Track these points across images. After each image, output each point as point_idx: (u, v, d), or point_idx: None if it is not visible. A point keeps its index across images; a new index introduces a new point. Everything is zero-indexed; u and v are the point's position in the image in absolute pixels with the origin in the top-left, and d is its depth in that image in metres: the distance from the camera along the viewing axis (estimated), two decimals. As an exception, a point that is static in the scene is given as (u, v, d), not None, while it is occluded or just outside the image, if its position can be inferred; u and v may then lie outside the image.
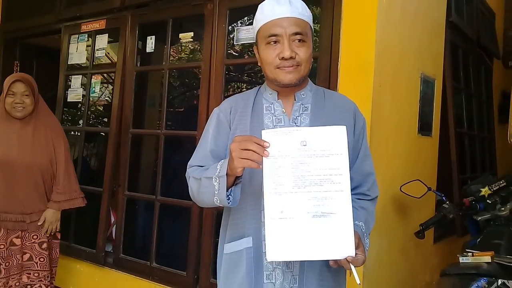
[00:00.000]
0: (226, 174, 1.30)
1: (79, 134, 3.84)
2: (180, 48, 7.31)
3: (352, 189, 1.44)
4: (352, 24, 2.26)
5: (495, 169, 4.10)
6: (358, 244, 1.25)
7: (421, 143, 2.78)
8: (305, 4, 1.47)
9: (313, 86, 1.55)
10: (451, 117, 3.15)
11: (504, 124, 4.58)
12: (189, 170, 1.51)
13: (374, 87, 2.21)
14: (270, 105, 1.50)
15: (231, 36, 3.03)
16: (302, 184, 1.22)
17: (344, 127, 1.25)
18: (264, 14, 1.43)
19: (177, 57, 7.34)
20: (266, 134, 1.24)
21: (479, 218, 2.32)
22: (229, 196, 1.34)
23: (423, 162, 2.84)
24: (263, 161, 1.22)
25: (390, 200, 2.44)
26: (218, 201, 1.34)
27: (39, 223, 2.65)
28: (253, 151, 1.20)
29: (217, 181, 1.32)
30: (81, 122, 6.16)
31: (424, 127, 2.79)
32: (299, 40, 1.40)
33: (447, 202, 2.31)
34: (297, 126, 1.45)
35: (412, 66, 2.65)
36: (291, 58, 1.38)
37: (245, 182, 1.40)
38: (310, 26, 1.47)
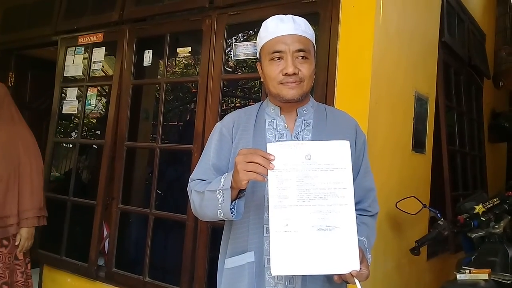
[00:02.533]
0: (230, 187, 1.31)
1: (71, 146, 3.81)
2: (174, 62, 7.36)
3: (352, 205, 1.47)
4: (349, 43, 2.31)
5: (485, 186, 4.15)
6: (362, 259, 1.26)
7: (415, 160, 2.82)
8: (308, 23, 1.50)
9: (314, 103, 1.58)
10: (444, 135, 3.20)
11: (494, 143, 4.67)
12: (191, 183, 1.52)
13: (371, 104, 2.25)
14: (272, 120, 1.52)
15: (227, 51, 3.07)
16: (307, 197, 1.24)
17: (348, 142, 1.28)
18: (268, 31, 1.46)
19: (171, 71, 7.38)
20: (271, 147, 1.26)
21: (473, 235, 2.34)
22: (233, 209, 1.35)
23: (417, 179, 2.87)
24: (268, 174, 1.23)
25: (386, 216, 2.46)
26: (222, 214, 1.35)
27: (16, 243, 2.60)
28: (258, 163, 1.22)
29: (221, 194, 1.33)
30: (74, 134, 6.18)
31: (418, 145, 2.83)
32: (302, 57, 1.43)
33: (442, 219, 2.33)
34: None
35: (407, 84, 2.70)
36: (294, 74, 1.41)
37: (247, 196, 1.41)
38: (313, 44, 1.50)
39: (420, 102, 2.83)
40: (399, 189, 2.59)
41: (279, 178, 1.25)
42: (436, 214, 2.37)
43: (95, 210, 3.20)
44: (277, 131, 1.50)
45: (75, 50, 3.59)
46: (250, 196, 1.42)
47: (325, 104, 2.32)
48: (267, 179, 1.24)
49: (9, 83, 4.28)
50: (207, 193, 1.38)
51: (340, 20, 2.34)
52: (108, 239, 3.26)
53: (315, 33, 1.56)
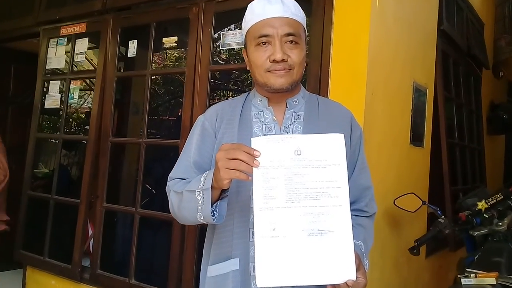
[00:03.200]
0: (211, 186, 1.17)
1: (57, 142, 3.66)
2: (165, 55, 7.18)
3: (348, 205, 1.34)
4: (344, 30, 2.17)
5: (485, 181, 4.04)
6: (359, 266, 1.13)
7: (413, 154, 2.69)
8: (298, 5, 1.36)
9: (306, 93, 1.44)
10: (443, 128, 3.07)
11: (492, 136, 4.55)
12: (170, 183, 1.38)
13: (367, 95, 2.11)
14: (259, 112, 1.38)
15: (218, 43, 2.92)
16: (297, 198, 1.11)
17: (342, 135, 1.14)
18: (254, 14, 1.32)
19: (162, 65, 7.20)
20: (256, 142, 1.12)
21: (476, 233, 2.22)
22: (214, 212, 1.21)
23: (416, 173, 2.74)
24: (253, 172, 1.10)
25: (383, 214, 2.34)
26: (202, 218, 1.21)
27: None
28: (241, 160, 1.08)
29: (201, 194, 1.19)
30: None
31: (416, 138, 2.69)
32: (292, 42, 1.29)
33: (442, 216, 2.20)
34: (289, 135, 1.34)
35: (405, 74, 2.56)
36: (282, 60, 1.27)
37: (231, 197, 1.27)
38: (304, 28, 1.36)
39: (418, 93, 2.70)
40: (397, 184, 2.46)
41: (265, 176, 1.11)
42: (436, 211, 2.24)
43: (79, 209, 3.06)
44: (265, 124, 1.36)
45: (57, 41, 3.43)
46: (234, 196, 1.29)
47: (318, 95, 2.20)
48: (252, 178, 1.10)
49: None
50: (186, 194, 1.25)
51: (334, 6, 2.20)
52: (92, 239, 3.12)
53: (307, 21, 1.41)
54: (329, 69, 2.19)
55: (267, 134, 1.34)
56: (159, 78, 6.44)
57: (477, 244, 2.26)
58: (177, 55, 7.41)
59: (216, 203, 1.21)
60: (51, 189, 3.31)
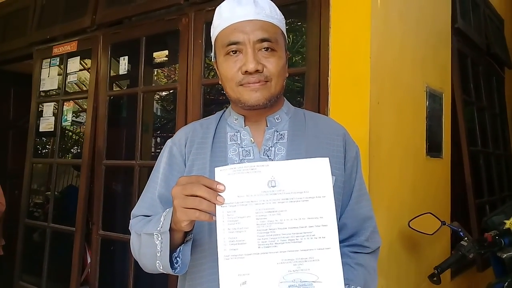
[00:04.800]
0: (170, 229, 0.96)
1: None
2: (171, 68, 7.03)
3: (345, 240, 1.12)
4: (342, 33, 1.94)
5: (514, 190, 3.71)
6: None
7: (430, 166, 2.42)
8: (274, 5, 1.14)
9: (290, 108, 1.21)
10: (463, 134, 2.79)
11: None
12: (132, 221, 1.17)
13: (371, 104, 1.87)
14: (235, 133, 1.16)
15: (211, 54, 2.72)
16: (272, 241, 0.89)
17: (327, 159, 0.92)
18: (221, 18, 1.11)
19: (172, 79, 7.05)
20: (220, 173, 0.91)
21: (505, 255, 1.94)
22: (178, 258, 1.00)
23: (434, 187, 2.47)
24: (216, 211, 0.88)
25: (398, 236, 2.08)
26: (161, 267, 1.00)
27: None
28: (201, 197, 0.87)
29: (159, 238, 0.98)
30: (73, 150, 5.90)
31: (433, 148, 2.43)
32: (267, 49, 1.07)
33: (465, 238, 1.93)
34: (270, 159, 1.11)
35: (416, 79, 2.31)
36: (257, 71, 1.05)
37: (203, 237, 1.06)
38: (282, 32, 1.14)
39: (433, 99, 2.44)
40: (412, 201, 2.20)
41: (232, 216, 0.89)
42: (458, 232, 1.98)
43: (74, 238, 2.88)
44: (242, 147, 1.14)
45: (50, 61, 3.30)
46: (206, 236, 1.07)
47: (318, 105, 1.98)
48: (215, 218, 0.89)
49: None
50: (144, 237, 1.04)
51: (331, 7, 1.98)
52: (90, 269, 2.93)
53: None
54: (329, 77, 1.97)
55: (244, 159, 1.12)
56: (169, 94, 6.28)
57: (507, 267, 1.98)
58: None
59: (180, 247, 1.00)
60: (63, 210, 3.15)
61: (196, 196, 0.88)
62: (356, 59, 1.89)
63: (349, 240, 1.13)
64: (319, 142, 1.14)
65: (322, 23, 2.01)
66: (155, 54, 2.75)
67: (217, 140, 1.17)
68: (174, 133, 2.54)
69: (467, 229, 2.35)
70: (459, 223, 2.15)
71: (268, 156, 1.12)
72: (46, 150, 5.90)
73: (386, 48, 2.01)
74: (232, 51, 1.07)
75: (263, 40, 1.06)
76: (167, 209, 1.01)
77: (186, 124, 2.40)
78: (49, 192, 3.90)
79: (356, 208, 1.15)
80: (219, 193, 0.88)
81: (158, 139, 7.09)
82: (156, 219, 1.03)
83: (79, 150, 5.42)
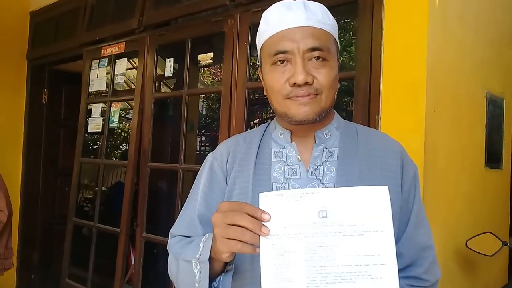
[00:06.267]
0: (210, 257, 0.90)
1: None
2: (217, 69, 7.04)
3: (401, 270, 1.01)
4: (396, 36, 1.82)
5: None
6: None
7: (489, 179, 2.25)
8: (326, 9, 1.05)
9: (340, 122, 1.12)
10: (526, 143, 2.58)
11: None
12: (170, 241, 1.12)
13: (427, 113, 1.74)
14: (281, 149, 1.09)
15: (256, 55, 2.65)
16: (322, 280, 0.80)
17: (386, 187, 0.83)
18: (269, 24, 1.03)
19: (217, 79, 7.06)
20: (265, 199, 0.83)
21: None
22: None
23: (493, 202, 2.30)
24: (260, 242, 0.81)
25: (454, 255, 1.94)
26: None
27: None
28: (244, 227, 0.80)
29: (198, 267, 0.92)
30: (122, 147, 6.00)
31: (493, 158, 2.26)
32: (318, 59, 0.98)
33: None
34: (317, 179, 1.03)
35: (475, 84, 2.15)
36: (306, 84, 0.97)
37: (244, 263, 0.99)
38: (335, 40, 1.05)
39: (493, 105, 2.27)
40: (469, 218, 2.05)
41: (278, 249, 0.81)
42: (521, 254, 1.82)
43: (119, 239, 2.91)
44: (288, 165, 1.06)
45: (99, 62, 3.34)
46: (248, 265, 1.00)
47: (368, 114, 1.87)
48: (259, 251, 0.82)
49: (43, 100, 4.14)
50: (182, 264, 0.98)
51: (384, 7, 1.86)
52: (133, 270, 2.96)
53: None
54: (380, 83, 1.86)
55: (290, 179, 1.04)
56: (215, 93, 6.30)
57: None
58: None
59: (220, 276, 0.94)
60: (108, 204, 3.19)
61: (239, 226, 0.81)
62: (411, 63, 1.77)
63: (405, 271, 1.02)
64: (373, 161, 1.04)
65: (374, 24, 1.89)
66: (200, 57, 2.71)
67: (261, 156, 1.09)
68: (219, 132, 2.50)
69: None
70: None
71: (316, 176, 1.04)
72: (97, 146, 6.06)
73: (444, 51, 1.87)
74: (280, 60, 1.00)
75: (314, 49, 0.98)
76: (207, 235, 0.95)
77: (230, 128, 2.38)
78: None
79: (414, 235, 1.04)
80: (263, 223, 0.81)
81: (203, 138, 7.15)
82: (195, 244, 0.97)
83: (127, 147, 5.53)
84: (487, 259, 2.08)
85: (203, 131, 6.95)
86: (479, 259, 2.05)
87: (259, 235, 0.80)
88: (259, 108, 6.25)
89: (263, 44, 1.05)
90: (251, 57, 2.40)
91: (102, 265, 3.20)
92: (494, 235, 1.77)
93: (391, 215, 0.82)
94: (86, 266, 3.14)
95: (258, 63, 1.12)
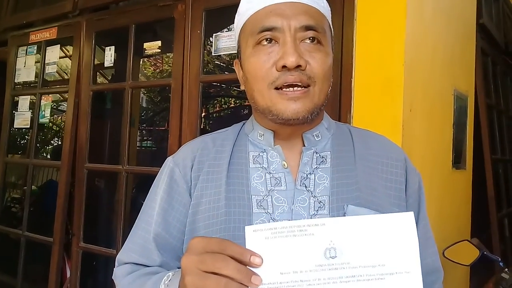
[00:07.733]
0: None
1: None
2: (161, 59, 6.66)
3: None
4: (371, 28, 1.65)
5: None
6: None
7: (456, 180, 2.17)
8: None
9: (331, 122, 0.93)
10: (486, 143, 2.53)
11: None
12: (117, 271, 0.87)
13: (404, 112, 1.59)
14: (260, 154, 0.87)
15: (209, 46, 2.42)
16: None
17: (411, 213, 0.64)
18: (253, 1, 0.81)
19: (159, 69, 6.68)
20: (253, 235, 0.62)
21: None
22: None
23: (458, 203, 2.22)
24: None
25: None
26: None
27: None
28: (228, 277, 0.58)
29: None
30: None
31: (458, 158, 2.17)
32: (314, 40, 0.78)
33: (506, 269, 1.68)
34: (308, 191, 0.83)
35: (444, 81, 2.04)
36: (298, 67, 0.75)
37: None
38: (329, 24, 0.85)
39: (460, 104, 2.18)
40: (439, 220, 1.94)
41: None
42: (498, 261, 1.72)
43: (52, 251, 2.56)
44: (270, 172, 0.85)
45: (26, 50, 2.95)
46: None
47: (338, 114, 1.69)
48: None
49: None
50: None
51: (357, -4, 1.69)
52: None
53: None
54: (352, 78, 1.68)
55: (273, 190, 0.83)
56: (164, 85, 5.96)
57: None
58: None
59: None
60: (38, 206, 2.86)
61: (220, 275, 0.58)
62: (387, 58, 1.61)
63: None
64: (374, 169, 0.86)
65: (345, 14, 1.72)
66: (146, 45, 2.42)
67: (236, 162, 0.87)
68: (164, 125, 2.24)
69: (488, 245, 2.12)
70: (478, 239, 1.91)
71: (306, 186, 0.83)
72: (25, 141, 5.51)
73: (420, 45, 1.73)
74: (266, 39, 0.78)
75: (308, 28, 0.78)
76: (170, 274, 0.72)
77: (181, 124, 2.12)
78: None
79: (422, 256, 0.87)
80: (254, 269, 0.59)
81: (144, 132, 6.78)
82: (153, 283, 0.73)
83: (59, 142, 5.05)
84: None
85: (144, 125, 6.59)
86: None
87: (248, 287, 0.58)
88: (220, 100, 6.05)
89: (244, 24, 0.84)
90: (206, 47, 2.16)
91: (33, 274, 2.84)
92: (471, 242, 1.66)
93: (419, 251, 0.63)
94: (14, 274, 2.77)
95: (236, 53, 0.89)
